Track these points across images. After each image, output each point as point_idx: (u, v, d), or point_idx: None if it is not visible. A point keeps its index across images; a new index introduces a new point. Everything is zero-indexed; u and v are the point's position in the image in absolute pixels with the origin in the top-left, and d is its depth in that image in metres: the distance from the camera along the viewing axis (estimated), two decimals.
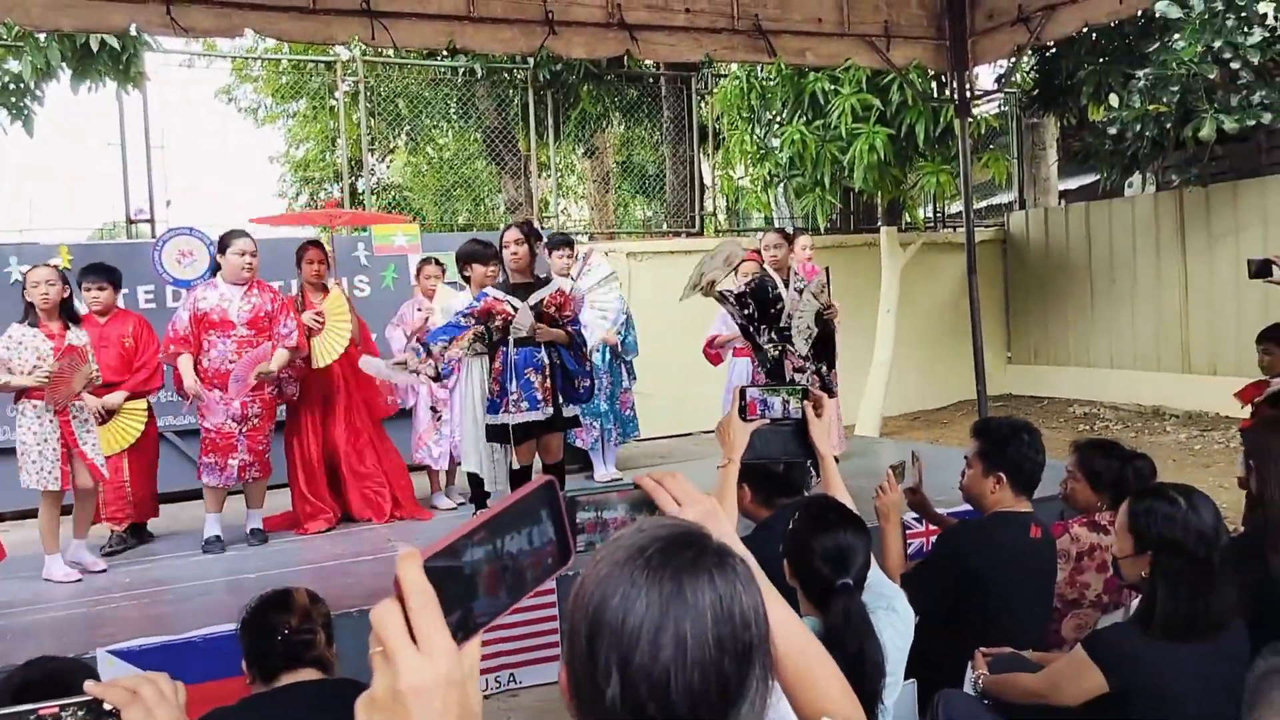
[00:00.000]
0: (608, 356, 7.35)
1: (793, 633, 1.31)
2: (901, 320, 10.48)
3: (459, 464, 6.42)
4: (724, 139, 11.22)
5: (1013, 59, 6.77)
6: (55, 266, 5.43)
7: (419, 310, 6.56)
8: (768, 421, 2.31)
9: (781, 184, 10.08)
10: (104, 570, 5.41)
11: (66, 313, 5.33)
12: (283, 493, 6.49)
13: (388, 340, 6.65)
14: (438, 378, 5.40)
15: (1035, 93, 11.54)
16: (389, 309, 7.02)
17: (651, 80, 11.57)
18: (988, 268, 12.19)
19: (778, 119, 9.92)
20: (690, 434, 9.37)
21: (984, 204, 14.68)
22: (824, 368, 6.05)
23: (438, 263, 6.82)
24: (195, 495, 6.30)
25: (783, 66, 8.95)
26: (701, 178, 11.67)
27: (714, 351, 7.24)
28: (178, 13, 4.25)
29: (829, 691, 1.35)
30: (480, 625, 0.82)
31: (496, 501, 0.91)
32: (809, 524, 2.33)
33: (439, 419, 6.57)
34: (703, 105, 11.43)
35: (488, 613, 0.83)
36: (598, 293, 6.70)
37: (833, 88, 9.13)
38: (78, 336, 5.31)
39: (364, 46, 6.54)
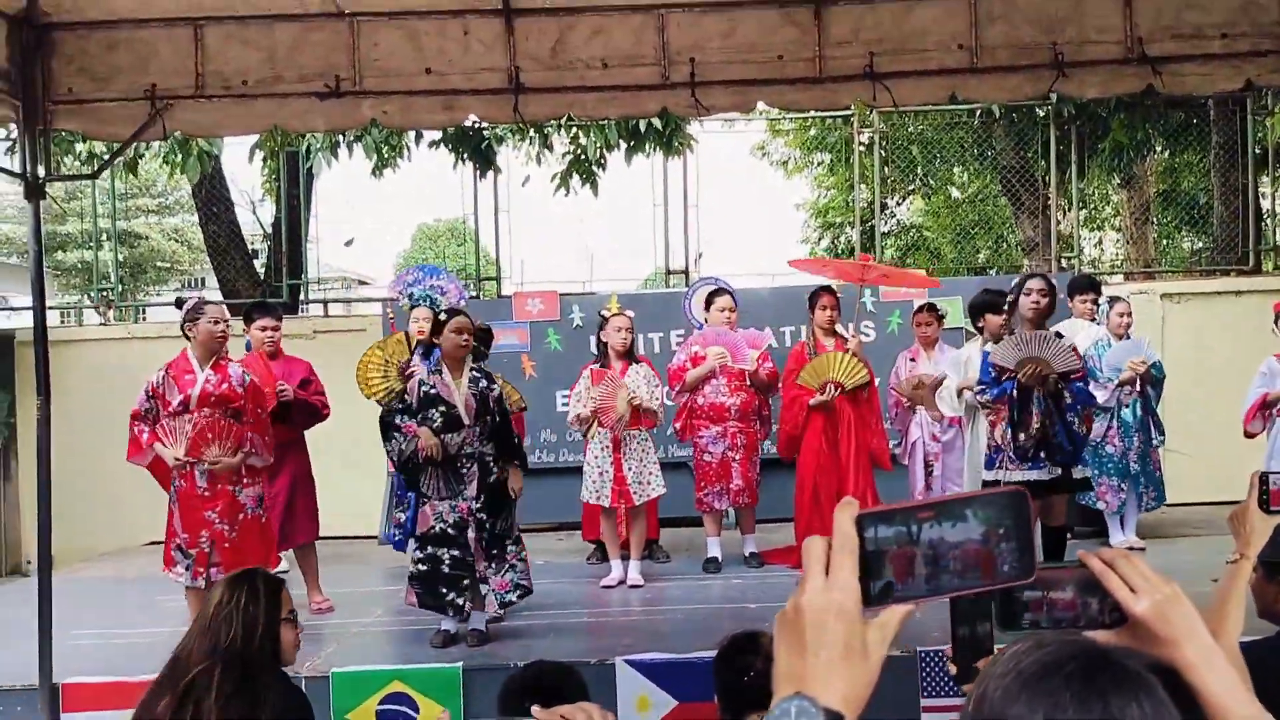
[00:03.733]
0: (1138, 411, 6.70)
1: None
2: None
3: None
4: None
5: None
6: (631, 317, 6.30)
7: (912, 360, 6.58)
8: None
9: None
10: (640, 585, 6.11)
11: (631, 355, 6.24)
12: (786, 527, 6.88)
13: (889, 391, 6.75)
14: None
15: None
16: (893, 355, 7.11)
17: (1199, 103, 10.39)
18: None
19: None
20: (1234, 502, 8.19)
21: None
22: None
23: (932, 309, 6.76)
24: (696, 522, 6.90)
25: None
26: (1259, 208, 10.21)
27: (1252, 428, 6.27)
28: (700, 95, 4.76)
29: None
30: (890, 601, 0.92)
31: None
32: None
33: (930, 474, 6.50)
34: (1262, 126, 10.03)
35: (902, 594, 0.91)
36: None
37: None
38: (635, 373, 6.15)
39: None
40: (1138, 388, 6.56)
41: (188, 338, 5.12)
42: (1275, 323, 6.38)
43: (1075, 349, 5.46)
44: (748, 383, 6.45)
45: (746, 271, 12.14)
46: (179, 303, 5.29)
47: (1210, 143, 10.56)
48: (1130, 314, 6.75)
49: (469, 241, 10.96)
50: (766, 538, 7.03)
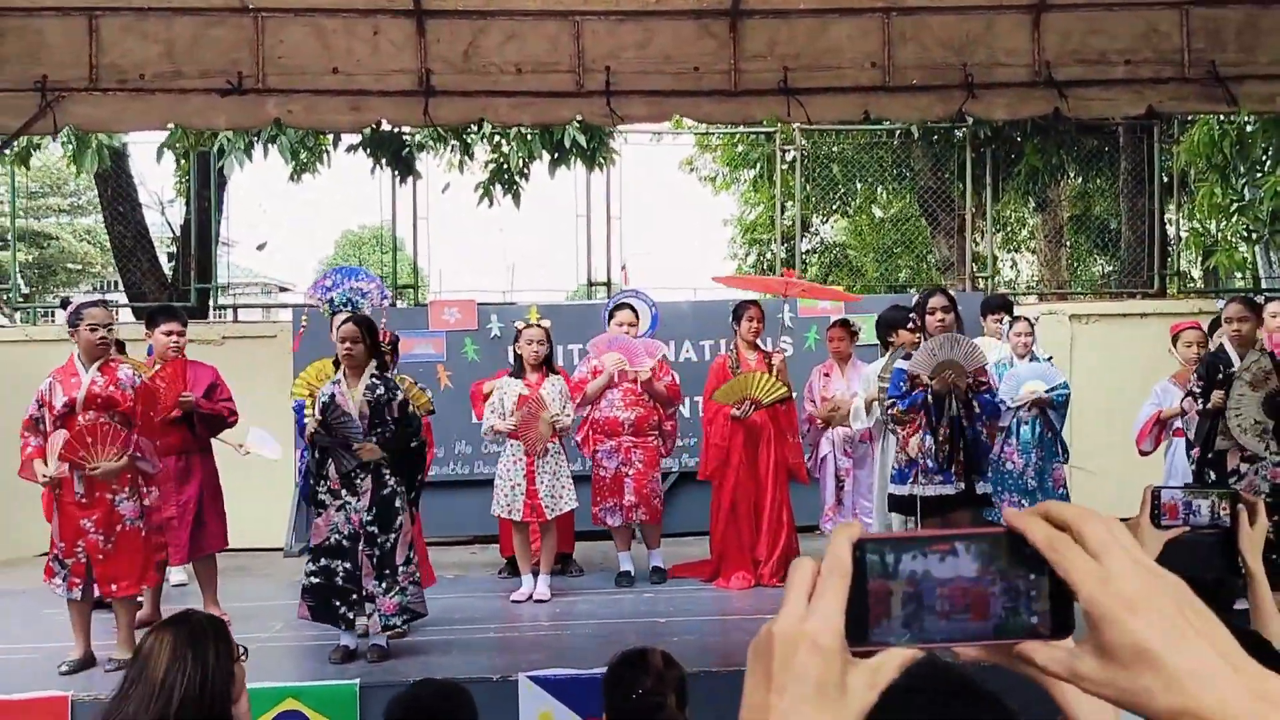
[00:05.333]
0: (1037, 429, 6.82)
1: None
2: None
3: None
4: (1193, 190, 10.05)
5: None
6: (546, 328, 6.18)
7: (826, 375, 6.60)
8: (1188, 529, 2.05)
9: (1264, 240, 8.80)
10: (547, 600, 5.99)
11: (549, 366, 6.10)
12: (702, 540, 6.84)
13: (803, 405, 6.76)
14: None
15: None
16: (808, 369, 7.13)
17: (1110, 129, 10.69)
18: None
19: (1259, 167, 8.70)
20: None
21: None
22: None
23: (845, 324, 6.79)
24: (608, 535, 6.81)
25: None
26: (1164, 233, 10.53)
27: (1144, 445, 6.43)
28: (616, 104, 4.73)
29: None
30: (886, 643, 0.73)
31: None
32: None
33: (841, 488, 6.52)
34: (1169, 154, 10.35)
35: (884, 637, 0.73)
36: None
37: None
38: (550, 385, 6.02)
39: None
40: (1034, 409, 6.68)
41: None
42: (1173, 344, 6.54)
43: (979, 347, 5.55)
44: (645, 397, 6.38)
45: (672, 285, 12.13)
46: (64, 303, 5.08)
47: (1120, 169, 10.87)
48: (1030, 333, 6.75)
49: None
50: (681, 551, 6.99)
